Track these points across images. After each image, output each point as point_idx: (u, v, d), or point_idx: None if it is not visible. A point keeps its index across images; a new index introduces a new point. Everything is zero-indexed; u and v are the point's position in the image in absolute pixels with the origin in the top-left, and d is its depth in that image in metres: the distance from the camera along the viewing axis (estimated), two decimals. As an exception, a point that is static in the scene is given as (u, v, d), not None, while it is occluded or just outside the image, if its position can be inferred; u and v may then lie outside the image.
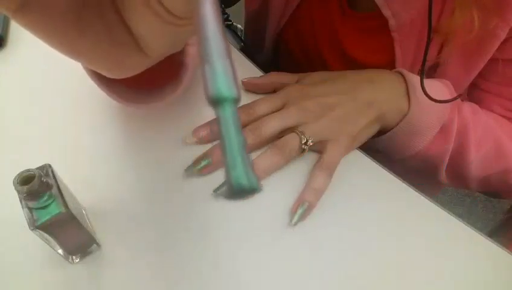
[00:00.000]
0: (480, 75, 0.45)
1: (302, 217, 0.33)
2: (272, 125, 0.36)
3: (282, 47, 0.57)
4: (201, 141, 0.37)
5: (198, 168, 0.35)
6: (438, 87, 0.39)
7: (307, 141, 0.35)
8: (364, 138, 0.39)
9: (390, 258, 0.32)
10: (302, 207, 0.33)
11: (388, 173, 0.37)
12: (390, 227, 0.34)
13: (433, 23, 0.36)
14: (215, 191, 0.34)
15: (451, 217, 0.35)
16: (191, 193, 0.35)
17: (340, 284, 0.31)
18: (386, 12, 0.42)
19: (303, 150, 0.36)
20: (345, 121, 0.37)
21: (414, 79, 0.39)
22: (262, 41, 0.58)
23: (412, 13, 0.41)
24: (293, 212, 0.33)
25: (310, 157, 0.37)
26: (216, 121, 0.13)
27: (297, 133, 0.35)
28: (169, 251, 0.32)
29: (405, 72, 0.40)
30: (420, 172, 0.45)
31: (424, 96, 0.36)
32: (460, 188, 0.51)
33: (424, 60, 0.36)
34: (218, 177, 0.36)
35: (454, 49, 0.42)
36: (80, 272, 0.31)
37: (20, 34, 0.47)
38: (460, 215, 0.35)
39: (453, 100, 0.38)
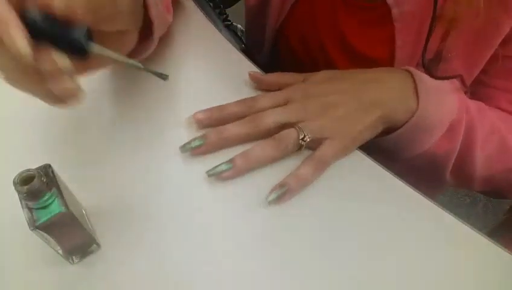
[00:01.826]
0: (487, 72, 0.45)
1: (279, 199, 0.34)
2: (271, 118, 0.36)
3: (283, 44, 0.57)
4: (199, 123, 0.38)
5: (191, 146, 0.36)
6: (445, 84, 0.39)
7: (305, 136, 0.35)
8: (366, 138, 0.38)
9: (390, 258, 0.32)
10: (281, 189, 0.34)
11: (388, 173, 0.37)
12: (390, 227, 0.34)
13: (437, 9, 0.36)
14: (207, 172, 0.35)
15: (451, 217, 0.35)
16: (191, 193, 0.35)
17: (340, 284, 0.31)
18: (389, 0, 0.42)
19: (300, 146, 0.36)
20: (346, 121, 0.37)
21: (423, 77, 0.38)
22: (263, 38, 0.58)
23: (415, 1, 0.41)
24: (270, 192, 0.34)
25: (310, 158, 0.37)
26: None
27: (296, 129, 0.35)
28: (169, 251, 0.32)
29: (412, 69, 0.39)
30: (424, 171, 0.45)
31: (434, 94, 0.36)
32: (463, 188, 0.51)
33: (426, 43, 0.35)
34: (217, 178, 0.36)
35: (457, 40, 0.41)
36: (80, 272, 0.31)
37: (20, 34, 0.47)
38: (460, 216, 0.35)
39: (447, 78, 0.38)
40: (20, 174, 0.25)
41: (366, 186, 0.36)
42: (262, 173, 0.36)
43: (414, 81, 0.39)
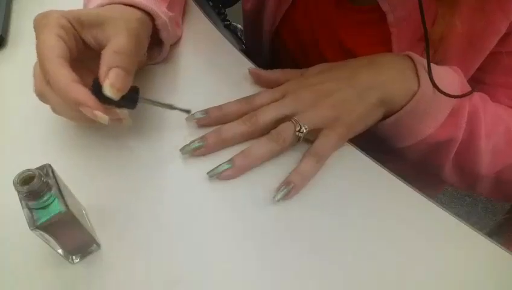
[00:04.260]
0: (484, 69, 0.44)
1: (286, 196, 0.34)
2: (268, 114, 0.36)
3: (281, 46, 0.57)
4: (198, 123, 0.38)
5: (191, 147, 0.36)
6: (448, 74, 0.38)
7: (301, 128, 0.35)
8: (367, 123, 0.38)
9: (390, 258, 0.32)
10: (287, 187, 0.34)
11: (388, 173, 0.37)
12: (389, 227, 0.34)
13: (429, 26, 0.36)
14: (208, 173, 0.35)
15: (451, 217, 0.35)
16: (191, 193, 0.35)
17: (340, 284, 0.31)
18: (384, 6, 0.41)
19: (298, 138, 0.36)
20: (342, 109, 0.36)
21: (423, 60, 0.37)
22: (260, 40, 0.58)
23: (410, 8, 0.41)
24: (276, 190, 0.34)
25: (310, 157, 0.37)
26: None
27: (293, 122, 0.35)
28: (169, 250, 0.32)
29: (411, 53, 0.38)
30: (424, 165, 0.44)
31: (435, 76, 0.35)
32: (469, 188, 0.47)
33: (428, 53, 0.35)
34: (217, 179, 0.36)
35: (450, 46, 0.41)
36: (80, 272, 0.31)
37: (20, 34, 0.47)
38: (460, 216, 0.35)
39: (464, 96, 0.37)
40: (20, 174, 0.25)
41: (366, 186, 0.36)
42: (261, 172, 0.36)
43: (414, 64, 0.38)
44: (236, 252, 0.32)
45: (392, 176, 0.37)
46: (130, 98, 0.33)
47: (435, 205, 0.35)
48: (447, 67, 0.40)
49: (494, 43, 0.40)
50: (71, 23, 0.33)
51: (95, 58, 0.35)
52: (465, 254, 0.33)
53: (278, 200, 0.34)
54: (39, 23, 0.32)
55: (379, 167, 0.38)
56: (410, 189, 0.36)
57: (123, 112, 0.34)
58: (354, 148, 0.39)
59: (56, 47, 0.31)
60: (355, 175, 0.37)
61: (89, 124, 0.37)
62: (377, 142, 0.41)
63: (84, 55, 0.34)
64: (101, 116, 0.31)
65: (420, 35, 0.37)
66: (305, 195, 0.35)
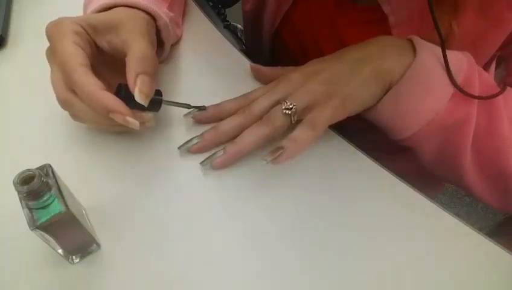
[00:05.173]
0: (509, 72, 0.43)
1: (276, 160, 0.34)
2: (260, 102, 0.37)
3: (281, 46, 0.57)
4: (195, 118, 0.39)
5: (190, 144, 0.36)
6: (456, 54, 0.36)
7: (287, 104, 0.35)
8: (363, 98, 0.36)
9: (390, 258, 0.32)
10: (278, 151, 0.34)
11: (388, 173, 0.37)
12: (390, 227, 0.34)
13: (429, 31, 0.36)
14: (202, 162, 0.36)
15: (451, 217, 0.35)
16: (191, 193, 0.35)
17: (340, 285, 0.31)
18: (386, 8, 0.41)
19: (290, 119, 0.35)
20: (331, 83, 0.35)
21: (420, 41, 0.36)
22: (261, 41, 0.58)
23: (412, 9, 0.41)
24: (267, 154, 0.34)
25: (314, 157, 0.37)
26: None
27: (281, 103, 0.35)
28: (169, 251, 0.32)
29: (409, 36, 0.37)
30: (442, 166, 0.42)
31: (434, 48, 0.35)
32: (503, 201, 0.43)
33: (444, 54, 0.34)
34: (216, 178, 0.36)
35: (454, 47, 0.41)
36: (80, 272, 0.31)
37: (20, 34, 0.47)
38: (460, 215, 0.35)
39: (489, 97, 0.35)
40: (20, 174, 0.25)
41: (366, 186, 0.36)
42: (263, 172, 0.36)
43: (410, 40, 0.37)
44: (237, 251, 0.32)
45: (392, 176, 0.37)
46: (155, 101, 0.34)
47: (435, 205, 0.35)
48: (455, 51, 0.37)
49: (499, 44, 0.40)
50: (84, 29, 0.33)
51: (105, 63, 0.36)
52: (465, 254, 0.33)
53: (268, 163, 0.34)
54: (53, 32, 0.32)
55: (379, 167, 0.38)
56: (410, 189, 0.36)
57: (148, 115, 0.34)
58: (354, 149, 0.39)
59: (77, 55, 0.31)
60: (355, 175, 0.37)
61: (112, 129, 0.37)
62: (377, 142, 0.41)
63: (95, 60, 0.34)
64: (133, 121, 0.31)
65: (422, 36, 0.37)
66: (306, 194, 0.35)
